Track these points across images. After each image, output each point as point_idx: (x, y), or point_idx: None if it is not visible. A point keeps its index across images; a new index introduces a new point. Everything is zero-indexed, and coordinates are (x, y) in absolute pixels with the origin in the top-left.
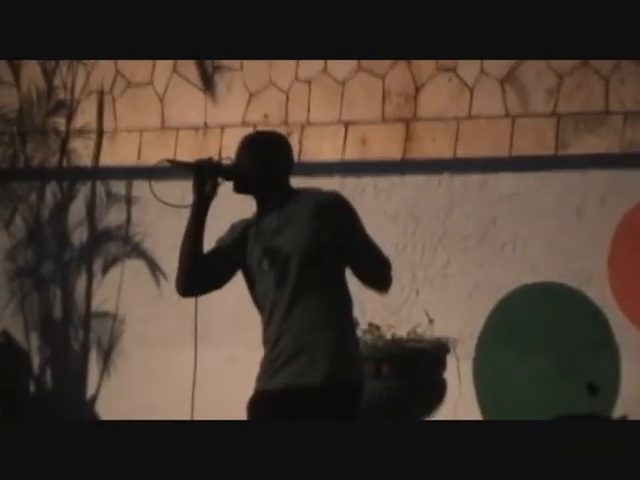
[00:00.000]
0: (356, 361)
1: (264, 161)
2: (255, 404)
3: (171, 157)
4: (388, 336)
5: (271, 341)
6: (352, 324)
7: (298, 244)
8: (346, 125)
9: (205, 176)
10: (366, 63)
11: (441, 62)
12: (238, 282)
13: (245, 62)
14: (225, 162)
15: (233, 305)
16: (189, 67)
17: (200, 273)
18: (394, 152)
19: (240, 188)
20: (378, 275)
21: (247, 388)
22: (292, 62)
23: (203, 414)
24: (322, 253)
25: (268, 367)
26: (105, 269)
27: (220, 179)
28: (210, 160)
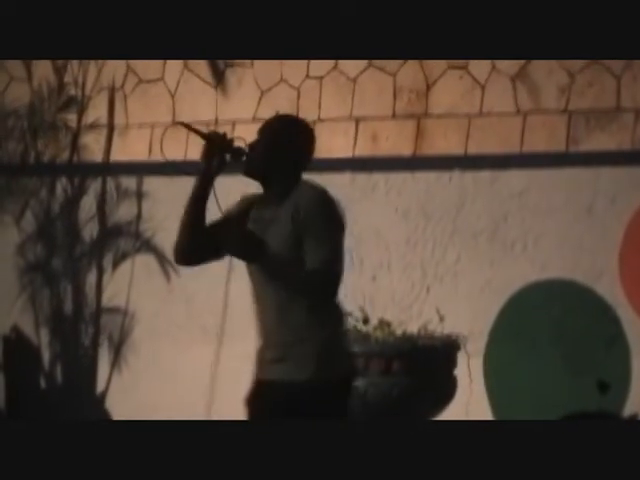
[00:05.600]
0: (344, 356)
1: (278, 147)
2: (251, 395)
3: (181, 152)
4: (399, 332)
5: (262, 334)
6: (339, 318)
7: (279, 245)
8: (357, 121)
9: (214, 149)
10: (377, 60)
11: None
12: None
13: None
14: (238, 143)
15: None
16: (200, 63)
17: (198, 244)
18: (405, 149)
19: (249, 171)
20: (304, 283)
21: None
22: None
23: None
24: (299, 253)
25: (260, 360)
26: (115, 264)
27: (229, 157)
28: (223, 136)
